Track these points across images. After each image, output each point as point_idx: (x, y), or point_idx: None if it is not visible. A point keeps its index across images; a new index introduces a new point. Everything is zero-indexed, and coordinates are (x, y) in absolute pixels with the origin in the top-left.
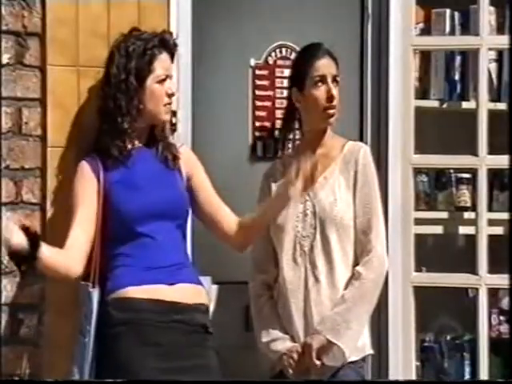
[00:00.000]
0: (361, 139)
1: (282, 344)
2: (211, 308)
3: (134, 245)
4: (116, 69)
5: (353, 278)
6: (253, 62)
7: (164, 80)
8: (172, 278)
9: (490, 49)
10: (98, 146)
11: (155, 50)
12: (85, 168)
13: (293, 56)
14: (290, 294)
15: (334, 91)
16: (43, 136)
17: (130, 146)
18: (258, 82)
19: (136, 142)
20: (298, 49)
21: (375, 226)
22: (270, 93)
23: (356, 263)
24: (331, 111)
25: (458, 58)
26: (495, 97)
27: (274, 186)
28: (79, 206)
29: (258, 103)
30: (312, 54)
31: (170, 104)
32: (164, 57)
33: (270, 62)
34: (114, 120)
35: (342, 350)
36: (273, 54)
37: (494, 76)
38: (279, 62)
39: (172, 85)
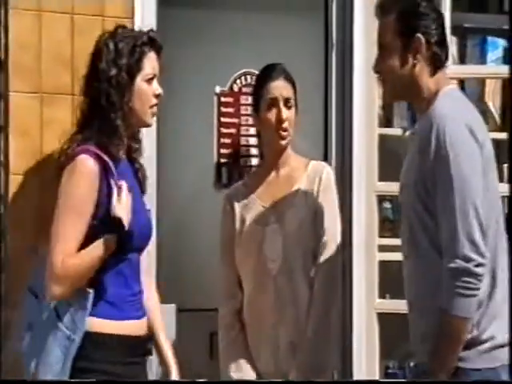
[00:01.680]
0: None
1: None
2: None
3: (115, 268)
4: (106, 64)
5: (312, 301)
6: (218, 89)
7: (151, 79)
8: (138, 312)
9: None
10: (92, 141)
11: (144, 48)
12: (92, 167)
13: None
14: (258, 319)
15: (285, 114)
16: (5, 163)
17: (121, 153)
18: (224, 109)
19: (121, 152)
20: None
21: (328, 245)
22: (235, 120)
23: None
24: (283, 133)
25: None
26: None
27: (237, 206)
28: (86, 214)
29: (224, 130)
30: (267, 75)
31: (155, 105)
32: (152, 55)
33: (235, 89)
34: (107, 117)
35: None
36: (238, 81)
37: None
38: (244, 90)
39: (158, 85)
